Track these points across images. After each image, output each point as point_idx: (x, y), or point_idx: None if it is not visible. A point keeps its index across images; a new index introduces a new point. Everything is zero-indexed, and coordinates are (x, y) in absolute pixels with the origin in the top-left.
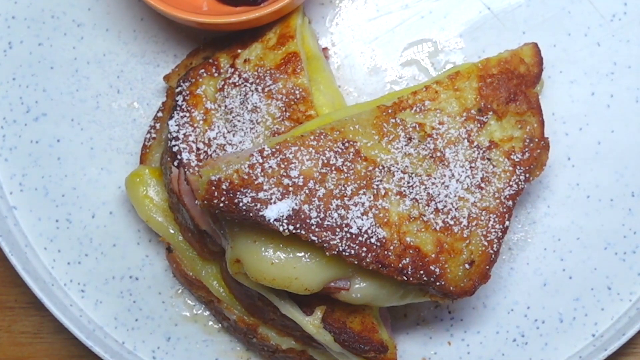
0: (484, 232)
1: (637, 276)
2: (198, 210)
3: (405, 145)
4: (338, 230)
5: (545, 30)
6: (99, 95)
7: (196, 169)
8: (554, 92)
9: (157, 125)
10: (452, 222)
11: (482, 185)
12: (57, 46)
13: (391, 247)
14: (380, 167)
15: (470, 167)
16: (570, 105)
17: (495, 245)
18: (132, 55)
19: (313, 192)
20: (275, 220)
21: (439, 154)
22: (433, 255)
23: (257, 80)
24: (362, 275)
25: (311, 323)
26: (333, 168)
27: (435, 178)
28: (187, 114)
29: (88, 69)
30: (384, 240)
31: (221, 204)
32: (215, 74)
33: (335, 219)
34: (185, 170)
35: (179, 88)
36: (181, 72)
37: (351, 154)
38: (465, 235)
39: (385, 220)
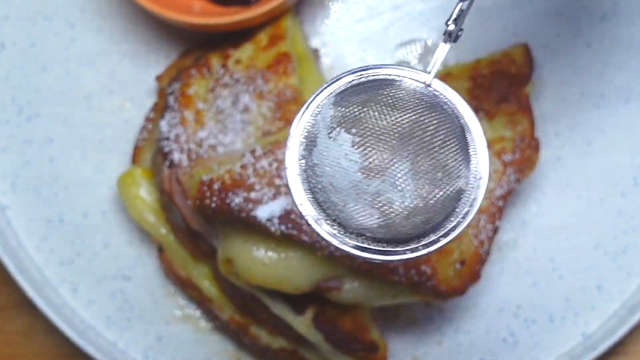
0: (475, 232)
1: (626, 276)
2: (189, 210)
3: None
4: None
5: (535, 30)
6: (91, 95)
7: (188, 169)
8: (544, 92)
9: (149, 126)
10: None
11: None
12: (49, 47)
13: None
14: None
15: None
16: (561, 106)
17: (486, 245)
18: (124, 56)
19: None
20: (267, 220)
21: None
22: None
23: (249, 81)
24: (353, 275)
25: (302, 323)
26: None
27: None
28: (179, 115)
29: (80, 70)
30: None
31: (213, 204)
32: (207, 75)
33: None
34: (177, 170)
35: (171, 89)
36: (173, 72)
37: None
38: None
39: None
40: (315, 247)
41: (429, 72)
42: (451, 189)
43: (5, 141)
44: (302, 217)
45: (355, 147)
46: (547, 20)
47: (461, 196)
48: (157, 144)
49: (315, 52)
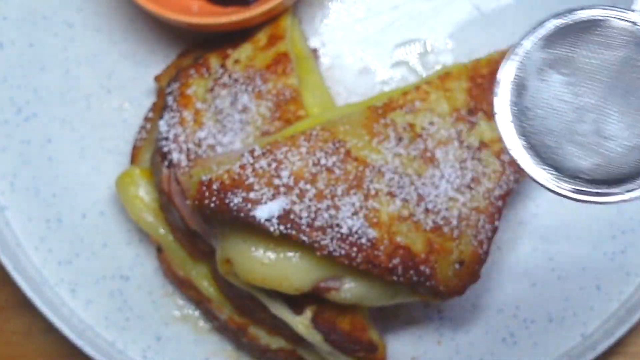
0: (474, 232)
1: (625, 276)
2: (188, 210)
3: (396, 145)
4: (328, 230)
5: None
6: (89, 95)
7: (186, 169)
8: None
9: (148, 126)
10: (442, 222)
11: (472, 185)
12: (48, 47)
13: (381, 247)
14: (371, 168)
15: (461, 167)
16: None
17: (485, 245)
18: (122, 55)
19: (304, 192)
20: (266, 220)
21: (429, 154)
22: (423, 255)
23: (247, 81)
24: (352, 275)
25: (301, 323)
26: (323, 168)
27: (425, 178)
28: (177, 115)
29: (79, 70)
30: (374, 241)
31: (212, 204)
32: (206, 75)
33: (326, 219)
34: (176, 170)
35: (169, 88)
36: (172, 72)
37: (341, 154)
38: (455, 236)
39: (376, 220)
40: (314, 247)
41: (635, 10)
42: None
43: (4, 141)
44: (515, 162)
45: (568, 87)
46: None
47: None
48: (156, 143)
49: (314, 52)
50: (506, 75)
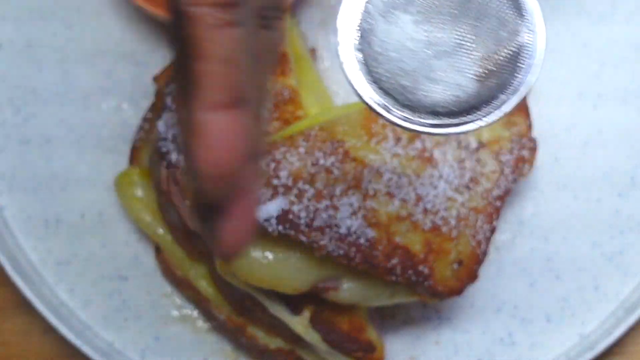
0: (472, 233)
1: (624, 276)
2: (187, 211)
3: (394, 145)
4: (327, 230)
5: None
6: (88, 96)
7: (185, 169)
8: (541, 92)
9: (147, 126)
10: (440, 223)
11: (471, 185)
12: (46, 47)
13: (380, 247)
14: (369, 168)
15: (459, 167)
16: (557, 106)
17: (483, 246)
18: (121, 56)
19: (302, 192)
20: (264, 220)
21: (427, 154)
22: (422, 255)
23: None
24: (350, 275)
25: (299, 323)
26: (322, 169)
27: (423, 178)
28: (176, 115)
29: (77, 70)
30: (372, 241)
31: None
32: None
33: (325, 220)
34: (174, 170)
35: (168, 89)
36: (170, 73)
37: (340, 154)
38: (453, 236)
39: (374, 220)
40: (312, 247)
41: None
42: (514, 44)
43: (2, 141)
44: (371, 109)
45: (418, 25)
46: (544, 20)
47: (523, 51)
48: (154, 144)
49: (312, 52)
50: (346, 21)
